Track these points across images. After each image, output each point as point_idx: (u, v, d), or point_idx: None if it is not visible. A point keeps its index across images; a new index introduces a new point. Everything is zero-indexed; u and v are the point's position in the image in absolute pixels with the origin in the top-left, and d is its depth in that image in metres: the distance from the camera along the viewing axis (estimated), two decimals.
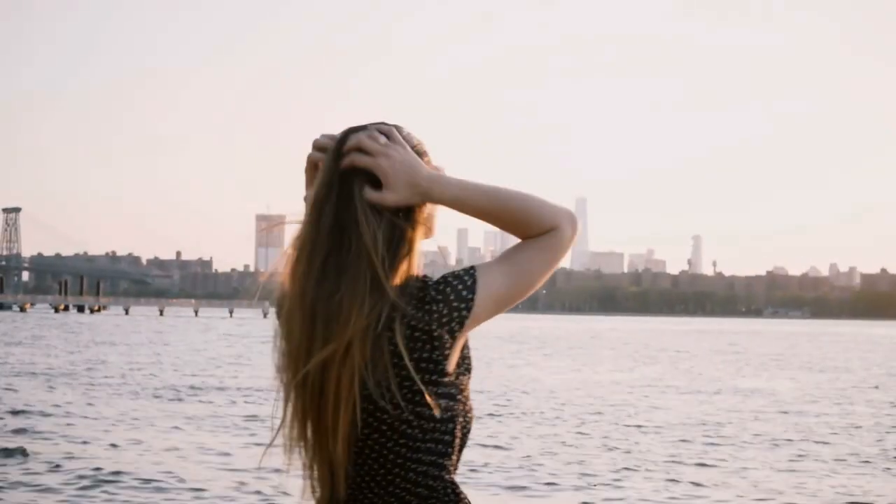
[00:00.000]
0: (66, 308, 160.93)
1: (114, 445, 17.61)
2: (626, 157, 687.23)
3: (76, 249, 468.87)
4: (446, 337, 2.32)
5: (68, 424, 20.26)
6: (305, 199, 2.48)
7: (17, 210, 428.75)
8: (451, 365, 2.35)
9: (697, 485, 15.31)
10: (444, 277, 2.37)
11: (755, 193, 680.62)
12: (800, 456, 18.57)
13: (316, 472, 2.38)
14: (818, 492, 15.13)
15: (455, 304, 2.32)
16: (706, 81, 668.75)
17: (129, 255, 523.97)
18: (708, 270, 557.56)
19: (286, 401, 2.37)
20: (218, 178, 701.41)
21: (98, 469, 15.22)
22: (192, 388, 29.43)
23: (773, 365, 50.55)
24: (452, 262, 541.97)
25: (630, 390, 32.29)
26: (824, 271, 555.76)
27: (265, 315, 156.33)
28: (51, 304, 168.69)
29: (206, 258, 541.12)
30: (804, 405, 28.57)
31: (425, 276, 2.39)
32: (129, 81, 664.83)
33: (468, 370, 2.42)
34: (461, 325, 2.33)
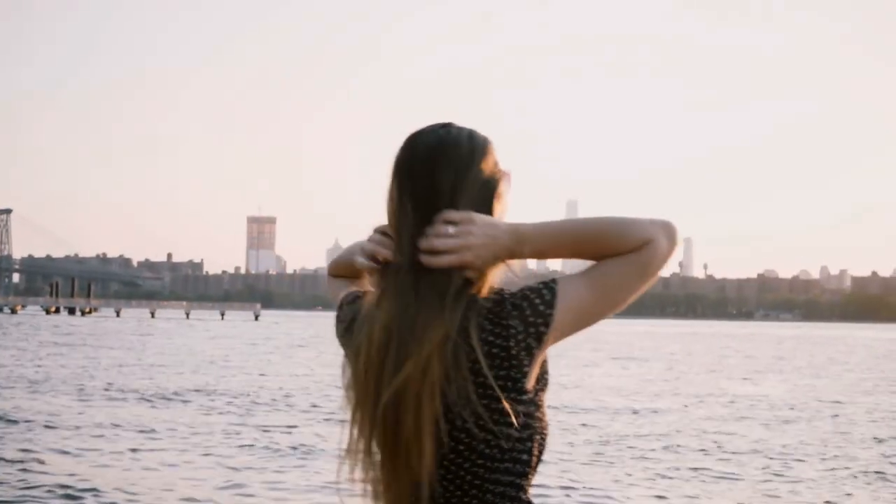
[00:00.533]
0: (58, 310, 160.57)
1: (75, 455, 17.03)
2: (617, 158, 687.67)
3: (67, 251, 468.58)
4: (523, 354, 2.21)
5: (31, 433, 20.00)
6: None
7: (7, 211, 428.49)
8: (531, 382, 2.25)
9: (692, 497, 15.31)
10: (521, 291, 2.25)
11: (747, 195, 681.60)
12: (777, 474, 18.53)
13: (389, 494, 2.29)
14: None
15: (532, 319, 2.22)
16: (703, 82, 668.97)
17: (120, 256, 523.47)
18: (699, 273, 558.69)
19: (354, 419, 2.30)
20: (209, 179, 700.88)
21: (64, 486, 14.23)
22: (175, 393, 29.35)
23: (766, 368, 50.54)
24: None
25: (625, 394, 32.24)
26: (815, 274, 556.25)
27: (256, 317, 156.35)
28: (42, 307, 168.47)
29: (197, 260, 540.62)
30: (788, 411, 28.55)
31: (502, 290, 2.28)
32: (122, 83, 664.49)
33: (545, 386, 2.32)
34: (539, 341, 2.23)
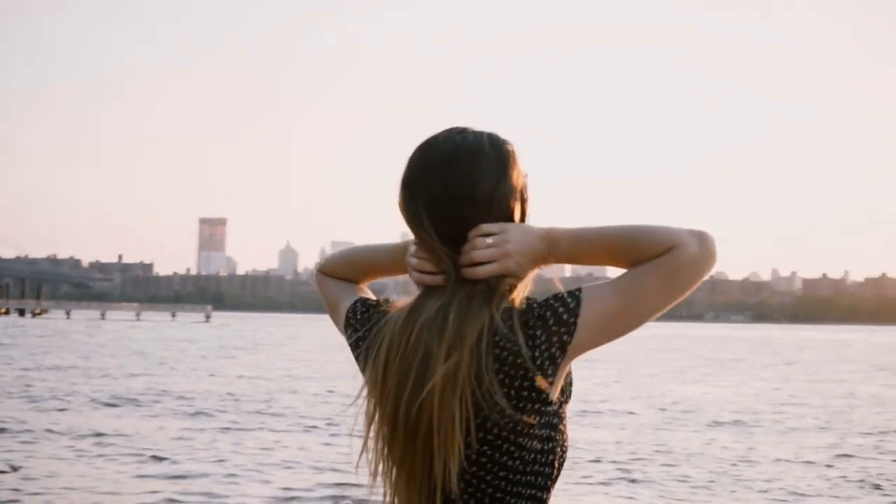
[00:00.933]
0: (7, 312, 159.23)
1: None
2: (594, 158, 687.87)
3: (17, 252, 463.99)
4: (547, 363, 2.18)
5: None
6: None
7: None
8: (555, 393, 2.22)
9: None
10: (547, 300, 2.23)
11: (706, 198, 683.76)
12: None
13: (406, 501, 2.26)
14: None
15: (555, 328, 2.19)
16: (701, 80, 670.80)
17: (71, 258, 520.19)
18: None
19: (372, 422, 2.28)
20: (160, 180, 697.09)
21: None
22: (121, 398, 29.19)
23: (718, 369, 50.73)
24: None
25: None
26: (765, 276, 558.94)
27: (207, 319, 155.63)
28: None
29: (148, 261, 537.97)
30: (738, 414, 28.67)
31: (529, 298, 2.27)
32: (71, 86, 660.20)
33: (568, 398, 2.29)
34: (563, 351, 2.19)
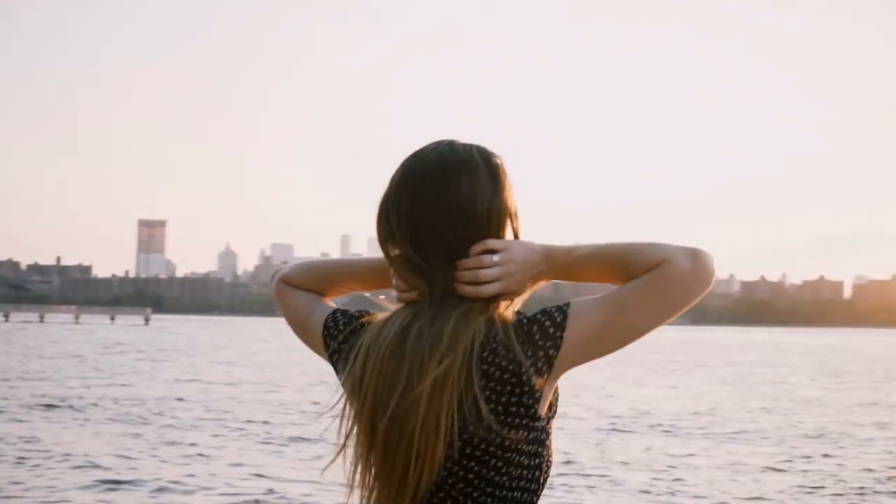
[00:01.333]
0: None
1: None
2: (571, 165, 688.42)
3: None
4: (534, 378, 2.17)
5: None
6: None
7: None
8: (543, 408, 2.22)
9: None
10: (535, 314, 2.22)
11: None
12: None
13: None
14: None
15: (541, 342, 2.18)
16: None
17: (9, 260, 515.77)
18: None
19: (350, 430, 2.25)
20: (98, 182, 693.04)
21: None
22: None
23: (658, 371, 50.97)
24: None
25: None
26: None
27: (147, 321, 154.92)
28: None
29: (87, 264, 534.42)
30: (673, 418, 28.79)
31: (519, 312, 2.27)
32: (8, 86, 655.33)
33: (554, 414, 2.28)
34: (550, 366, 2.18)
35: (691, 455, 20.16)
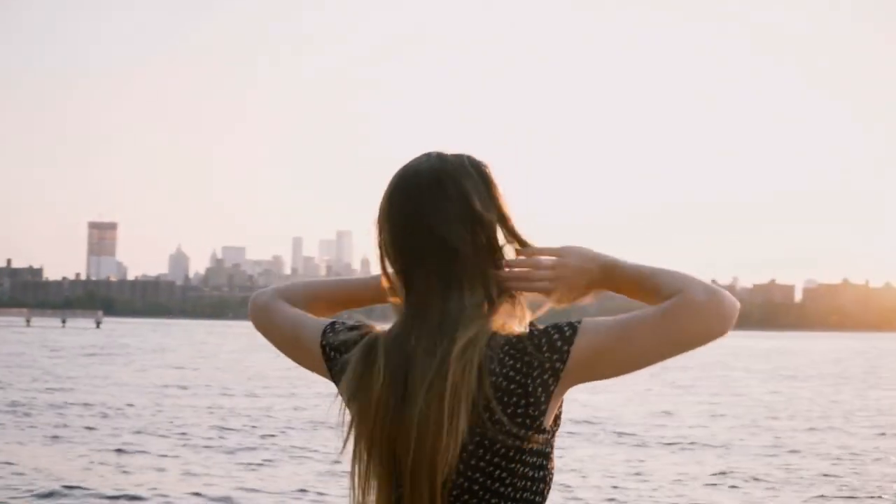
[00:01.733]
0: None
1: None
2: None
3: None
4: (540, 390, 2.17)
5: None
6: None
7: None
8: (549, 421, 2.21)
9: None
10: (546, 327, 2.21)
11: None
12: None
13: None
14: None
15: (548, 355, 2.17)
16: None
17: None
18: None
19: (353, 433, 2.23)
20: (48, 183, 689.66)
21: None
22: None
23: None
24: (287, 271, 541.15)
25: None
26: None
27: (98, 324, 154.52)
28: None
29: (37, 266, 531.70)
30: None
31: (531, 324, 2.26)
32: None
33: (558, 427, 2.27)
34: (556, 378, 2.18)
35: (641, 461, 20.15)
